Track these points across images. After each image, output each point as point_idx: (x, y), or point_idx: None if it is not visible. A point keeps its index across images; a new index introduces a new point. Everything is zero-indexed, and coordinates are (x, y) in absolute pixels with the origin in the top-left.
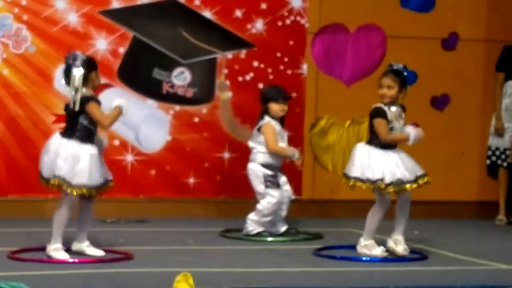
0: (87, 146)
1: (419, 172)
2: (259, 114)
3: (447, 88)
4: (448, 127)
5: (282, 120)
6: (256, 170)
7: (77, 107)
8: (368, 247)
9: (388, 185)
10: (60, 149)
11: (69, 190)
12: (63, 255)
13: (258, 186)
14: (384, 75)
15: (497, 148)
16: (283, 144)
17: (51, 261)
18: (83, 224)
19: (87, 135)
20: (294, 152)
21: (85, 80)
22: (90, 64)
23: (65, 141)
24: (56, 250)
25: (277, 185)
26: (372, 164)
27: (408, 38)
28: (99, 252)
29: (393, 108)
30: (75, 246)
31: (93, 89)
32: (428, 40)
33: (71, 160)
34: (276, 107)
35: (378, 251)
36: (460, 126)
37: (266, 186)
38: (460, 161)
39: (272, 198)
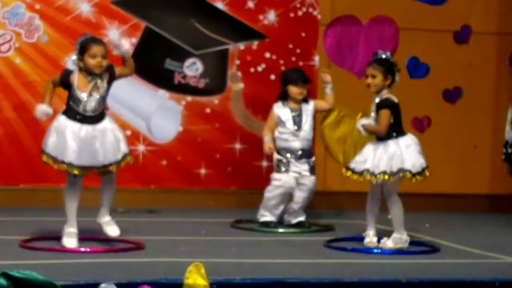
0: (71, 124)
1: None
2: (278, 95)
3: (459, 81)
4: (460, 120)
5: (305, 101)
6: (274, 154)
7: None
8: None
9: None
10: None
11: (55, 167)
12: (70, 243)
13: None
14: (368, 65)
15: None
16: (289, 128)
17: (62, 250)
18: (103, 199)
19: (72, 113)
20: (265, 145)
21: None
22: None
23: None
24: (67, 235)
25: (284, 170)
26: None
27: (420, 30)
28: (114, 231)
29: (377, 99)
30: (97, 219)
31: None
32: (441, 32)
33: (55, 135)
34: (294, 90)
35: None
36: (472, 120)
37: (274, 170)
38: (472, 155)
39: (274, 181)
